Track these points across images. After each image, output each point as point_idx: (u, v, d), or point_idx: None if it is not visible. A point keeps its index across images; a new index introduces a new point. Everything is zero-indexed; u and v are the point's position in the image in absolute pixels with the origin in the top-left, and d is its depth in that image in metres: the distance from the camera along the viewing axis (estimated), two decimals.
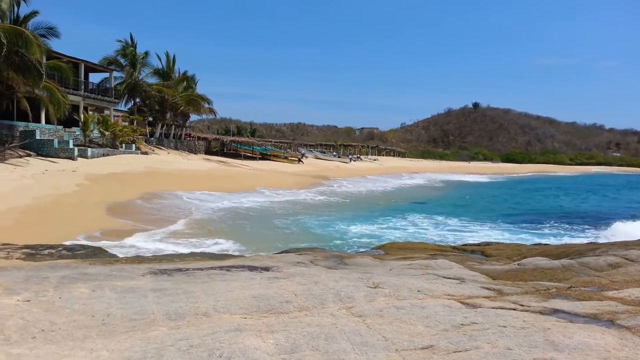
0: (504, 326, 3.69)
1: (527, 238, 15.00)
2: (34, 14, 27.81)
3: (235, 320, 3.83)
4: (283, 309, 4.15)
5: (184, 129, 55.06)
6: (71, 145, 28.94)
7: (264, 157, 56.26)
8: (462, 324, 3.75)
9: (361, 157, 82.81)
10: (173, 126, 51.27)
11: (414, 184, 44.73)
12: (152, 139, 45.69)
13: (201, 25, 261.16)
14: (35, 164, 24.02)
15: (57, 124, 31.45)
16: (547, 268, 6.60)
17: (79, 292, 4.51)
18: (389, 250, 9.47)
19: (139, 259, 7.66)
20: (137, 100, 46.90)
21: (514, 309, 4.18)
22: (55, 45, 30.54)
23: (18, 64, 24.07)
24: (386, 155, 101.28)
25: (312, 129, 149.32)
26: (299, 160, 57.53)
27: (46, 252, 8.77)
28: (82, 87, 37.65)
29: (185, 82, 52.42)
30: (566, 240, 14.72)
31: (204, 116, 58.96)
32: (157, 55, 51.15)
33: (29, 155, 26.00)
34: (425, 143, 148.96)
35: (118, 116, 45.03)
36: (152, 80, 48.95)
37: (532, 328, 3.63)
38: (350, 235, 15.33)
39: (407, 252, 8.99)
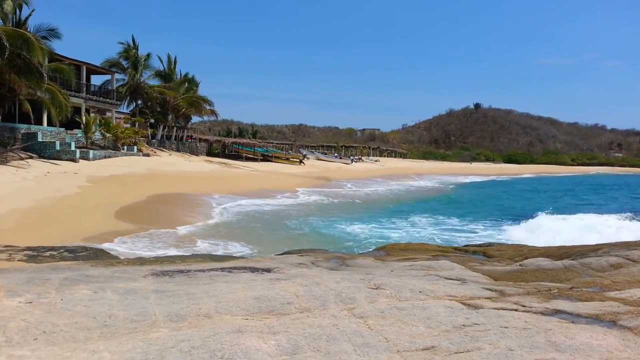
0: (505, 327, 3.68)
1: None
2: (31, 12, 27.96)
3: (236, 322, 3.83)
4: (284, 310, 4.15)
5: (186, 130, 55.14)
6: (73, 148, 29.00)
7: (266, 158, 56.30)
8: (463, 325, 3.75)
9: (362, 158, 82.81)
10: (175, 128, 51.34)
11: (423, 186, 44.49)
12: (153, 140, 45.76)
13: (202, 26, 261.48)
14: (37, 166, 24.07)
15: (59, 126, 31.55)
16: (548, 269, 6.59)
17: (80, 294, 4.52)
18: (390, 252, 9.46)
19: (140, 261, 7.66)
20: (139, 102, 47.02)
21: (515, 310, 4.17)
22: (57, 47, 30.70)
23: (20, 66, 24.15)
24: (387, 157, 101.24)
25: (314, 130, 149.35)
26: (301, 162, 57.54)
27: (48, 254, 8.78)
28: (84, 89, 37.74)
29: (186, 84, 52.60)
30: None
31: (206, 118, 59.14)
32: (159, 57, 51.43)
33: (31, 158, 26.06)
34: (426, 144, 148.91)
35: (120, 118, 45.10)
36: (154, 82, 49.15)
37: (534, 329, 3.62)
38: (362, 237, 15.23)
39: (408, 253, 8.99)
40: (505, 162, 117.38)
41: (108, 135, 34.78)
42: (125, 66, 45.84)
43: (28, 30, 26.68)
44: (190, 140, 54.57)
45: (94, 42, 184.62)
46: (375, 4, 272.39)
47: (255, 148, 60.09)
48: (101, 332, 3.59)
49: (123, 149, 35.16)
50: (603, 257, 6.92)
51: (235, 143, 61.45)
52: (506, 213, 23.34)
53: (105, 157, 31.34)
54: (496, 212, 23.41)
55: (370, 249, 11.60)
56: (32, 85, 25.58)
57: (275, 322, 3.81)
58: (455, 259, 7.74)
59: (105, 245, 10.88)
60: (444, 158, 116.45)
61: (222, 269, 6.06)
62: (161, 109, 48.60)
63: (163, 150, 44.29)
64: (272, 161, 54.74)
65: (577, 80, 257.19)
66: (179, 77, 52.01)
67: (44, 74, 25.62)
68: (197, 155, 49.86)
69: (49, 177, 21.44)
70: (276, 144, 74.96)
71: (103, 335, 3.52)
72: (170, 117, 49.45)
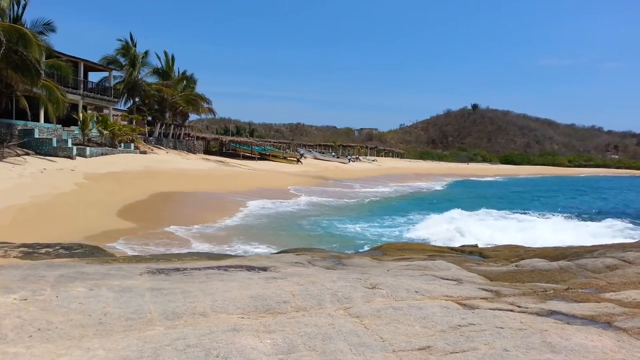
0: (501, 327, 3.69)
1: None
2: (25, 5, 27.80)
3: (232, 320, 3.82)
4: (280, 309, 4.15)
5: (183, 128, 55.04)
6: (70, 144, 28.90)
7: (263, 157, 56.29)
8: (459, 325, 3.75)
9: (360, 157, 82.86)
10: (172, 126, 51.24)
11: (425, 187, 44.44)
12: (151, 138, 45.67)
13: (200, 25, 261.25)
14: (34, 163, 23.99)
15: (56, 123, 31.44)
16: (544, 269, 6.61)
17: (76, 291, 4.50)
18: (386, 251, 9.47)
19: (136, 258, 7.65)
20: (137, 99, 46.89)
21: (511, 311, 4.18)
22: (54, 44, 30.54)
23: (17, 62, 24.05)
24: (385, 156, 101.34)
25: (311, 129, 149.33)
26: (298, 161, 57.56)
27: (43, 250, 8.76)
28: (82, 86, 37.62)
29: (184, 82, 52.42)
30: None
31: (203, 116, 58.96)
32: (157, 54, 51.27)
33: (28, 154, 25.97)
34: (424, 144, 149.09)
35: (117, 115, 44.99)
36: (152, 79, 49.02)
37: (530, 329, 3.63)
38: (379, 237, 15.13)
39: (405, 252, 8.99)
40: (502, 163, 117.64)
41: (105, 132, 34.68)
42: (123, 63, 45.69)
43: (25, 25, 26.55)
44: (187, 138, 54.49)
45: (91, 39, 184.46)
46: (374, 4, 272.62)
47: (253, 147, 60.06)
48: (96, 329, 3.58)
49: (120, 147, 35.07)
50: (599, 259, 6.94)
51: (232, 141, 61.41)
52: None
53: (102, 154, 31.26)
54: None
55: (366, 249, 11.61)
56: (29, 81, 25.46)
57: (271, 321, 3.81)
58: (452, 259, 7.75)
59: (110, 245, 10.82)
60: (441, 158, 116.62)
61: (219, 267, 6.05)
62: (159, 107, 48.46)
63: (160, 148, 44.20)
64: (269, 160, 54.73)
65: (575, 81, 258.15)
66: (176, 74, 51.85)
67: (41, 70, 25.52)
68: (194, 153, 49.79)
69: (45, 173, 21.37)
70: (274, 142, 74.95)
71: (98, 333, 3.51)
72: (167, 114, 49.34)
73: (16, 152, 25.28)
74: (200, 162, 41.39)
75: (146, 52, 47.15)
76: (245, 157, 53.54)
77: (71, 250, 8.82)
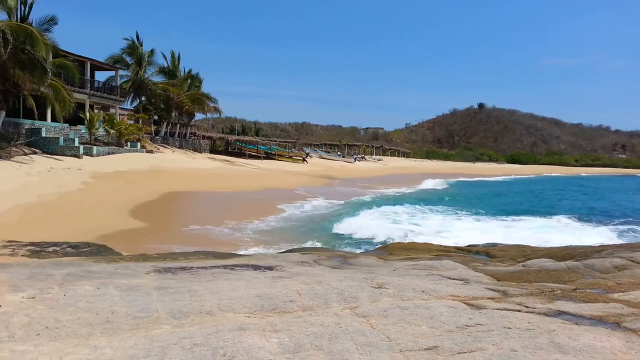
0: (508, 328, 3.67)
1: None
2: (32, 4, 27.92)
3: (239, 319, 3.82)
4: (287, 309, 4.14)
5: (189, 127, 55.18)
6: (77, 143, 29.04)
7: (269, 156, 56.37)
8: (466, 325, 3.74)
9: (365, 157, 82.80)
10: (178, 125, 51.39)
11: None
12: (157, 137, 45.82)
13: (206, 23, 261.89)
14: (41, 162, 24.12)
15: (63, 122, 31.61)
16: (552, 269, 6.56)
17: (83, 290, 4.52)
18: (393, 251, 9.45)
19: (143, 257, 7.67)
20: (143, 98, 47.04)
21: (518, 311, 4.16)
22: (61, 43, 30.68)
23: (24, 61, 24.18)
24: (390, 156, 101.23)
25: (317, 129, 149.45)
26: (304, 160, 57.59)
27: (51, 249, 8.80)
28: (88, 85, 37.77)
29: (190, 81, 52.57)
30: None
31: (209, 115, 59.09)
32: (163, 54, 51.46)
33: (35, 153, 26.12)
34: (430, 143, 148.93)
35: (124, 114, 45.15)
36: (158, 78, 49.16)
37: (537, 330, 3.61)
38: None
39: (411, 252, 8.97)
40: (508, 163, 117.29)
41: (112, 131, 34.82)
42: (130, 62, 45.84)
43: (31, 25, 26.68)
44: (193, 138, 54.62)
45: (98, 38, 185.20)
46: (380, 2, 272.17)
47: (259, 146, 60.16)
48: (103, 328, 3.59)
49: (126, 146, 35.20)
50: (607, 259, 6.90)
51: (238, 141, 61.54)
52: None
53: (108, 153, 31.39)
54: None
55: (372, 248, 11.59)
56: (36, 80, 25.59)
57: (278, 320, 3.80)
58: (458, 258, 7.72)
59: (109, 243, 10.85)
60: (447, 158, 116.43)
61: (225, 267, 6.05)
62: (165, 106, 48.61)
63: (166, 147, 44.33)
64: (275, 159, 54.78)
65: (582, 80, 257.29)
66: (182, 74, 52.00)
67: (48, 70, 25.65)
68: (200, 152, 49.91)
69: (52, 172, 21.48)
70: (279, 142, 75.05)
71: (105, 331, 3.52)
72: (173, 114, 49.48)
73: (23, 151, 25.43)
74: (207, 161, 41.47)
75: (152, 51, 47.29)
76: (251, 157, 53.62)
77: (78, 249, 8.86)
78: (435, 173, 59.95)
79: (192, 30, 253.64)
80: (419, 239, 12.86)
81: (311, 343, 3.35)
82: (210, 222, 14.98)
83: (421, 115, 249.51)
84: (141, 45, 45.94)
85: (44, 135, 28.63)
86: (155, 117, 48.54)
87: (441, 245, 10.37)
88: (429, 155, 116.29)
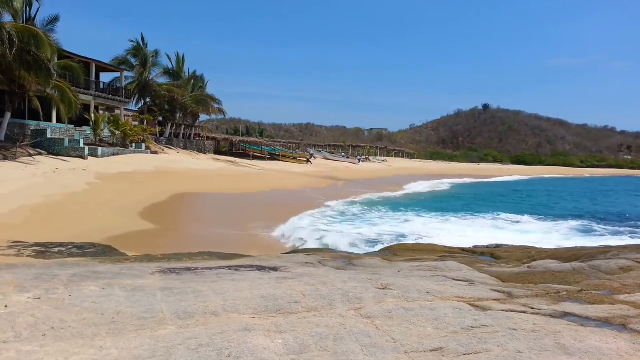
0: (514, 329, 3.66)
1: None
2: (38, 9, 28.12)
3: (243, 320, 3.82)
4: (291, 310, 4.14)
5: (194, 128, 55.31)
6: (82, 144, 29.17)
7: (273, 157, 56.43)
8: (472, 327, 3.73)
9: (370, 158, 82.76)
10: (182, 126, 51.53)
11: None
12: (161, 138, 45.96)
13: (210, 25, 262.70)
14: (46, 163, 24.23)
15: (68, 123, 31.75)
16: (557, 271, 6.54)
17: (88, 290, 4.53)
18: (397, 252, 9.44)
19: (148, 258, 7.69)
20: (148, 100, 47.19)
21: (524, 312, 4.14)
22: (67, 45, 30.87)
23: (30, 62, 24.31)
24: (395, 157, 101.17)
25: (321, 130, 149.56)
26: (308, 161, 57.63)
27: (56, 250, 8.84)
28: (93, 86, 37.93)
29: (194, 82, 52.70)
30: None
31: (214, 116, 59.30)
32: (167, 55, 51.58)
33: (40, 154, 26.24)
34: (434, 144, 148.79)
35: (128, 116, 45.33)
36: (162, 80, 49.31)
37: (543, 331, 3.60)
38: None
39: (415, 253, 8.96)
40: (513, 164, 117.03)
41: (117, 132, 34.96)
42: (134, 64, 46.02)
43: (36, 26, 26.83)
44: (198, 139, 54.77)
45: (103, 40, 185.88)
46: (384, 3, 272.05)
47: (263, 147, 60.24)
48: (109, 328, 3.60)
49: (131, 147, 35.32)
50: (612, 260, 6.86)
51: (242, 142, 61.64)
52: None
53: (113, 154, 31.50)
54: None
55: (377, 249, 11.57)
56: (42, 82, 25.72)
57: (283, 321, 3.80)
58: (463, 260, 7.70)
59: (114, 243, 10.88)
60: (451, 159, 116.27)
61: (229, 267, 6.06)
62: (169, 107, 48.77)
63: (171, 148, 44.45)
64: (279, 160, 54.84)
65: (587, 81, 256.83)
66: (187, 75, 52.16)
67: (53, 71, 25.77)
68: (204, 153, 50.02)
69: (57, 173, 21.57)
70: (284, 142, 75.13)
71: (111, 332, 3.53)
72: (178, 115, 49.62)
73: (29, 152, 25.55)
74: (211, 162, 41.55)
75: (157, 52, 47.45)
76: (255, 157, 53.68)
77: (84, 250, 8.90)
78: (429, 174, 59.88)
79: (196, 32, 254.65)
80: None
81: (316, 344, 3.35)
82: (231, 226, 14.92)
83: (425, 116, 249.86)
84: (146, 46, 46.16)
85: (49, 136, 28.76)
86: (160, 119, 48.71)
87: (446, 247, 10.35)
88: (434, 157, 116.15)
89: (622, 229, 18.28)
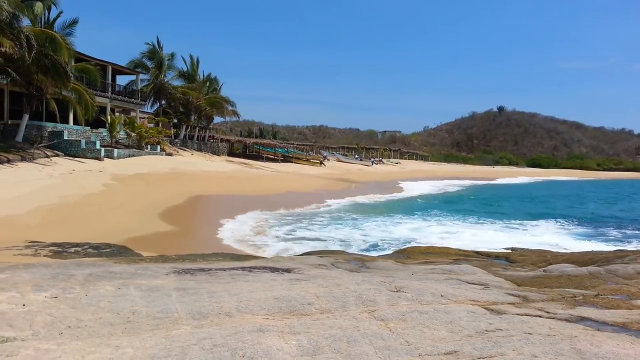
0: (529, 333, 3.62)
1: None
2: (60, 14, 28.47)
3: (257, 321, 3.84)
4: (305, 311, 4.15)
5: (208, 130, 55.63)
6: (98, 146, 29.49)
7: (286, 159, 56.56)
8: (486, 330, 3.70)
9: (383, 160, 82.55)
10: (197, 128, 51.87)
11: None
12: (176, 140, 46.30)
13: (225, 28, 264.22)
14: (63, 164, 24.54)
15: (85, 125, 32.12)
16: (573, 275, 6.46)
17: (104, 290, 4.58)
18: (410, 254, 9.40)
19: (162, 258, 7.75)
20: (163, 102, 47.61)
21: (539, 316, 4.10)
22: (84, 48, 31.31)
23: (47, 65, 24.64)
24: (408, 159, 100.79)
25: (334, 132, 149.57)
26: (321, 163, 57.64)
27: (72, 250, 8.95)
28: (110, 89, 38.34)
29: (209, 85, 53.04)
30: None
31: (227, 118, 59.55)
32: (182, 58, 51.99)
33: (57, 155, 26.57)
34: (448, 147, 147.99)
35: (144, 118, 45.73)
36: (177, 82, 49.74)
37: (559, 336, 3.56)
38: None
39: (429, 256, 8.91)
40: (529, 166, 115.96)
41: (132, 134, 35.28)
42: (150, 66, 46.47)
43: (54, 30, 27.21)
44: (211, 141, 55.07)
45: (119, 44, 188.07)
46: (397, 6, 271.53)
47: (276, 149, 60.41)
48: (125, 328, 3.63)
49: (146, 148, 35.62)
50: (630, 265, 6.77)
51: (256, 144, 61.88)
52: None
53: (129, 155, 31.79)
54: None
55: (390, 251, 11.53)
56: (59, 84, 26.06)
57: (296, 323, 3.81)
58: (477, 263, 7.65)
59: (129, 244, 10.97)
60: (465, 161, 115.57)
61: (243, 268, 6.09)
62: (184, 109, 49.16)
63: (185, 150, 44.76)
64: (292, 162, 54.93)
65: (603, 83, 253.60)
66: (201, 77, 52.53)
67: (70, 74, 26.11)
68: (218, 155, 50.28)
69: (74, 174, 21.83)
70: (297, 145, 75.25)
71: (126, 331, 3.56)
72: (192, 117, 49.98)
73: (46, 153, 25.89)
74: (225, 164, 41.75)
75: (172, 55, 47.92)
76: (268, 159, 53.85)
77: (99, 250, 9.00)
78: (441, 177, 59.54)
79: (211, 35, 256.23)
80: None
81: (330, 346, 3.35)
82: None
83: (440, 119, 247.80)
84: (161, 49, 46.61)
85: (66, 138, 29.12)
86: (175, 121, 49.09)
87: (459, 250, 10.28)
88: (448, 159, 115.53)
89: (638, 233, 18.05)
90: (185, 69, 50.88)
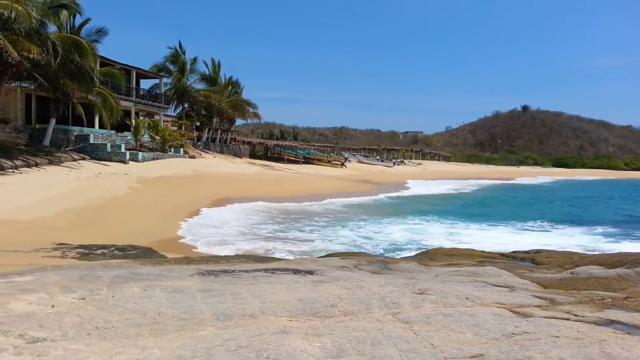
0: (557, 336, 3.56)
1: None
2: (86, 21, 29.01)
3: (281, 323, 3.85)
4: (328, 313, 4.15)
5: (230, 133, 56.07)
6: (123, 149, 29.98)
7: (307, 161, 56.64)
8: (513, 333, 3.65)
9: (404, 161, 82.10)
10: (219, 130, 52.32)
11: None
12: (199, 143, 46.79)
13: (245, 31, 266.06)
14: (89, 167, 25.02)
15: (110, 129, 32.69)
16: (601, 277, 6.32)
17: (130, 291, 4.66)
18: (434, 256, 9.31)
19: (186, 260, 7.83)
20: (185, 105, 48.19)
21: (567, 319, 4.03)
22: (108, 52, 31.87)
23: (73, 70, 25.15)
24: (430, 159, 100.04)
25: (355, 133, 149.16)
26: (342, 164, 57.60)
27: (99, 251, 9.11)
28: (134, 93, 38.93)
29: (230, 87, 53.48)
30: None
31: (249, 120, 60.00)
32: (204, 61, 52.57)
33: (83, 159, 27.11)
34: (471, 147, 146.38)
35: (167, 121, 46.33)
36: (199, 85, 50.29)
37: (587, 339, 3.49)
38: None
39: (453, 258, 8.82)
40: (554, 166, 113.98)
41: (156, 137, 35.78)
42: (173, 70, 47.08)
43: (81, 36, 27.76)
44: (233, 143, 55.48)
45: (142, 48, 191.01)
46: (418, 6, 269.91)
47: (297, 150, 60.56)
48: (151, 328, 3.68)
49: (170, 151, 36.09)
50: None
51: (277, 145, 62.13)
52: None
53: (153, 158, 32.25)
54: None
55: (412, 253, 11.45)
56: (85, 89, 26.60)
57: (320, 325, 3.81)
58: (502, 265, 7.54)
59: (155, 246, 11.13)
60: (489, 161, 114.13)
61: (266, 270, 6.11)
62: (206, 112, 49.68)
63: (208, 152, 45.19)
64: (313, 164, 55.00)
65: (630, 81, 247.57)
66: (223, 80, 53.01)
67: (95, 79, 26.61)
68: (240, 157, 50.66)
69: (100, 177, 22.24)
70: (318, 146, 75.28)
71: (153, 332, 3.61)
72: (215, 119, 50.44)
73: (73, 157, 26.43)
74: (247, 166, 42.02)
75: (194, 59, 48.50)
76: (289, 161, 54.01)
77: (125, 252, 9.14)
78: (462, 177, 58.88)
79: (232, 38, 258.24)
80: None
81: (353, 348, 3.34)
82: None
83: (462, 119, 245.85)
84: (184, 53, 47.18)
85: (92, 141, 29.68)
86: (197, 123, 49.61)
87: (484, 252, 10.15)
88: (471, 159, 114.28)
89: None
90: (207, 72, 51.46)
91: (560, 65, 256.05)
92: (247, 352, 3.19)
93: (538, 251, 10.25)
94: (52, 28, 25.88)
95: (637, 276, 6.29)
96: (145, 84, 44.66)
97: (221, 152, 48.93)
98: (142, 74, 41.80)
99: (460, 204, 28.66)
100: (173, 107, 48.24)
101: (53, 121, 27.85)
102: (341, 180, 38.91)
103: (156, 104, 42.55)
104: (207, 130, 49.90)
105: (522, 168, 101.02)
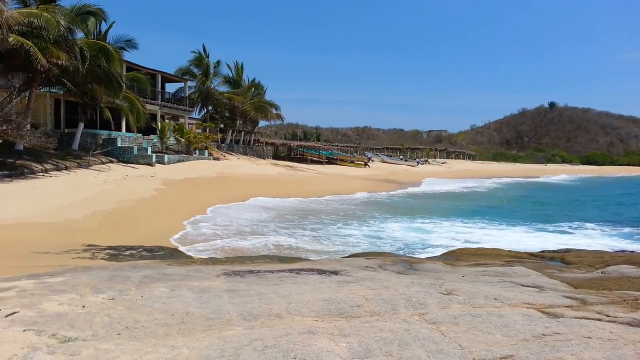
0: (588, 337, 3.48)
1: None
2: (111, 25, 29.61)
3: (307, 323, 3.85)
4: (354, 313, 4.14)
5: (253, 134, 56.48)
6: (149, 152, 30.47)
7: (330, 161, 56.63)
8: (543, 334, 3.58)
9: (429, 160, 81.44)
10: (242, 132, 52.75)
11: None
12: (223, 145, 47.24)
13: (268, 34, 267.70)
14: (117, 170, 25.50)
15: (137, 132, 33.27)
16: (634, 277, 6.17)
17: (159, 292, 4.72)
18: (460, 256, 9.21)
19: (212, 260, 7.91)
20: (210, 108, 48.75)
21: (599, 320, 3.94)
22: (134, 57, 32.39)
23: (100, 76, 25.68)
24: (455, 158, 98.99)
25: (378, 133, 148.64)
26: (366, 164, 57.45)
27: (127, 253, 9.26)
28: (159, 96, 39.53)
29: (253, 89, 53.88)
30: None
31: (272, 122, 60.38)
32: (227, 64, 53.05)
33: (111, 162, 27.67)
34: (497, 145, 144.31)
35: (192, 124, 46.91)
36: (223, 88, 50.79)
37: (621, 340, 3.40)
38: None
39: (480, 258, 8.71)
40: (583, 164, 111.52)
41: (181, 140, 36.28)
42: (197, 74, 47.66)
43: (108, 42, 28.34)
44: (257, 144, 55.84)
45: (167, 52, 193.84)
46: (442, 5, 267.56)
47: (320, 151, 60.60)
48: (179, 328, 3.73)
49: (195, 153, 36.54)
50: None
51: (300, 146, 62.31)
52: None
53: (179, 161, 32.70)
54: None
55: (438, 253, 11.34)
56: (112, 93, 27.14)
57: (346, 325, 3.80)
58: (531, 265, 7.42)
59: (185, 248, 11.28)
60: (515, 160, 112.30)
61: (290, 271, 6.13)
62: (230, 114, 50.17)
63: (232, 154, 45.59)
64: (336, 164, 54.96)
65: None
66: (246, 83, 53.43)
67: (122, 83, 27.13)
68: (263, 158, 50.96)
69: (127, 180, 22.63)
70: (341, 146, 75.25)
71: (181, 332, 3.66)
72: (238, 122, 50.89)
73: (101, 160, 26.99)
74: (270, 167, 42.24)
75: (218, 62, 49.04)
76: (312, 162, 54.08)
77: (153, 253, 9.28)
78: (489, 175, 57.95)
79: (254, 40, 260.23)
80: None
81: (380, 349, 3.32)
82: None
83: (487, 117, 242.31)
84: (207, 57, 47.72)
85: (119, 145, 30.27)
86: (221, 126, 50.13)
87: (511, 251, 10.00)
88: (497, 157, 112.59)
89: None
90: (230, 75, 51.96)
91: (588, 60, 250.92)
92: (274, 352, 3.20)
93: (567, 250, 10.06)
94: (79, 35, 26.50)
95: None
96: (171, 87, 45.36)
97: (245, 153, 49.32)
98: (167, 78, 42.42)
99: (465, 202, 28.39)
100: (197, 110, 48.92)
101: (81, 125, 28.49)
102: (364, 180, 38.76)
103: (181, 107, 43.12)
104: (230, 132, 50.36)
105: (550, 166, 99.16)
